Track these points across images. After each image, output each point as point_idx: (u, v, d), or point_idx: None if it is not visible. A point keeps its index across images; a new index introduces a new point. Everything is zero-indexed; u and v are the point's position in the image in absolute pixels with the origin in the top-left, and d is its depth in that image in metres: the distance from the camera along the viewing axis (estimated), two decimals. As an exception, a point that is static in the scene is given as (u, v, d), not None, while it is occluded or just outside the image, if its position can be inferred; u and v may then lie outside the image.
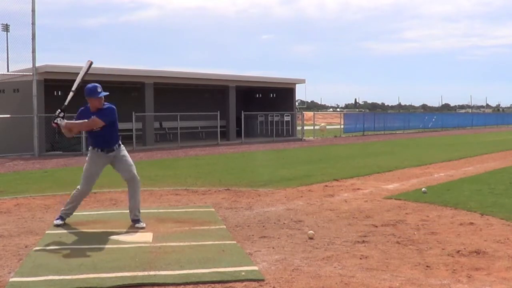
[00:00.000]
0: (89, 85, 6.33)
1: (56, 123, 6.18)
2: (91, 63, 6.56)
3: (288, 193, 8.93)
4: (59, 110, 6.24)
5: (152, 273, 4.39)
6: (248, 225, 6.35)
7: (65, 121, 6.22)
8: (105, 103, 6.38)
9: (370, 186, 9.77)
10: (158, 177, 11.30)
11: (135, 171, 6.50)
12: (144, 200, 8.23)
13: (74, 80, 6.48)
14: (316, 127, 32.08)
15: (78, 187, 6.48)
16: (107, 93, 6.37)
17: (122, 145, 6.57)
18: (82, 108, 6.43)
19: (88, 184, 6.47)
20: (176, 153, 19.04)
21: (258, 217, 6.81)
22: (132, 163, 6.56)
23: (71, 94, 6.41)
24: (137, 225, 6.30)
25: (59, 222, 6.37)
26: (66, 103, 6.33)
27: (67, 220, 6.47)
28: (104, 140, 6.39)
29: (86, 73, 6.53)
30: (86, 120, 6.27)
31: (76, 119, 6.39)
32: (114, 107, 6.42)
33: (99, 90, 6.29)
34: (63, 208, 6.55)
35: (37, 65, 17.91)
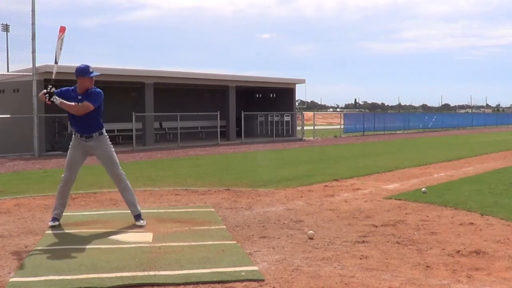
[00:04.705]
0: (81, 65, 6.28)
1: (52, 101, 6.05)
2: (64, 29, 6.53)
3: (288, 193, 8.93)
4: (50, 86, 6.08)
5: (152, 273, 4.38)
6: (248, 225, 6.34)
7: (60, 100, 6.08)
8: (93, 87, 6.28)
9: (370, 186, 9.77)
10: (158, 177, 11.30)
11: (119, 171, 6.37)
12: (144, 200, 8.23)
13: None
14: (316, 127, 32.11)
15: (62, 175, 6.44)
16: (99, 74, 6.36)
17: (105, 135, 6.38)
18: (69, 87, 6.29)
19: (69, 171, 6.40)
20: (176, 153, 19.04)
21: (258, 217, 6.81)
22: (114, 160, 6.36)
23: (55, 66, 6.41)
24: (137, 222, 6.29)
25: (53, 223, 6.24)
26: (53, 77, 6.30)
27: (67, 220, 6.46)
28: (84, 126, 6.25)
29: (63, 40, 6.52)
30: (79, 104, 6.13)
31: (59, 95, 6.18)
32: (102, 91, 6.31)
33: (91, 70, 6.25)
34: (53, 209, 6.41)
35: (37, 65, 17.88)
